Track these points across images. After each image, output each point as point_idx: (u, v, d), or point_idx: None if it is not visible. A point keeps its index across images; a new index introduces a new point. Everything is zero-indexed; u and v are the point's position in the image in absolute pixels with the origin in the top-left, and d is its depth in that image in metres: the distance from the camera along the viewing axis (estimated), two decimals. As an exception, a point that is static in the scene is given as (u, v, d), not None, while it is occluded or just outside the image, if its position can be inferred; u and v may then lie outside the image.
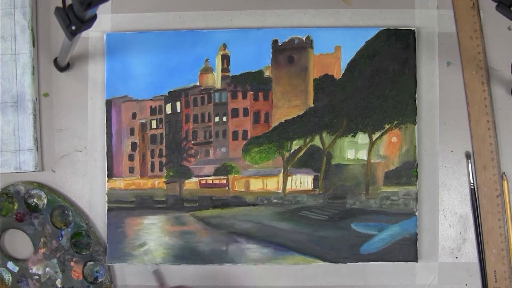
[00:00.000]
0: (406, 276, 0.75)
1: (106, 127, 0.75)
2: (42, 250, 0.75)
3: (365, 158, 0.74)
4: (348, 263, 0.74)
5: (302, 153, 0.75)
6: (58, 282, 0.75)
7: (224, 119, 0.75)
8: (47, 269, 0.75)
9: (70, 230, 0.75)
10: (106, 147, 0.75)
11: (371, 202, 0.74)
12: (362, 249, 0.74)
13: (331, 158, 0.74)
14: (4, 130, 0.75)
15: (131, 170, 0.75)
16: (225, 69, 0.75)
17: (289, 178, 0.75)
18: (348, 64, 0.74)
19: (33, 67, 0.75)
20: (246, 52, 0.74)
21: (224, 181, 0.75)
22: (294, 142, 0.75)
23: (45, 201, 0.75)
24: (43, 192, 0.75)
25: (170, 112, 0.75)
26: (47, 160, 0.76)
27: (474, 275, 0.75)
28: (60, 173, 0.76)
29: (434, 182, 0.75)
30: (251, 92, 0.75)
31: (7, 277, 0.75)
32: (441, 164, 0.75)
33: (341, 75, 0.74)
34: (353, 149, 0.74)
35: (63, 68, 0.75)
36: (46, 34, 0.76)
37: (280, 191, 0.75)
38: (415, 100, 0.74)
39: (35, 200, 0.75)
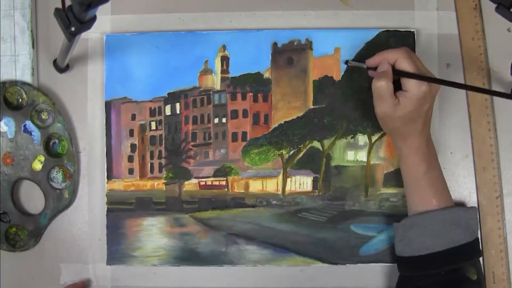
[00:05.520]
0: (405, 277, 0.75)
1: (106, 129, 0.75)
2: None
3: (365, 159, 0.74)
4: (348, 265, 0.74)
5: (301, 154, 0.75)
6: None
7: (224, 120, 0.75)
8: None
9: None
10: (105, 149, 0.75)
11: (370, 204, 0.74)
12: (362, 251, 0.74)
13: (331, 160, 0.74)
14: (3, 131, 0.75)
15: (131, 171, 0.75)
16: (224, 71, 0.75)
17: (288, 179, 0.75)
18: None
19: (33, 68, 0.75)
20: (246, 53, 0.74)
21: (224, 183, 0.75)
22: (294, 144, 0.74)
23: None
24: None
25: (169, 113, 0.75)
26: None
27: (474, 277, 0.75)
28: (60, 174, 0.76)
29: (434, 183, 0.75)
30: (250, 93, 0.75)
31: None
32: (441, 165, 0.75)
33: (341, 76, 0.74)
34: (353, 151, 0.74)
35: (62, 69, 0.75)
36: (45, 36, 0.76)
37: (280, 192, 0.75)
38: (414, 102, 0.74)
39: None
